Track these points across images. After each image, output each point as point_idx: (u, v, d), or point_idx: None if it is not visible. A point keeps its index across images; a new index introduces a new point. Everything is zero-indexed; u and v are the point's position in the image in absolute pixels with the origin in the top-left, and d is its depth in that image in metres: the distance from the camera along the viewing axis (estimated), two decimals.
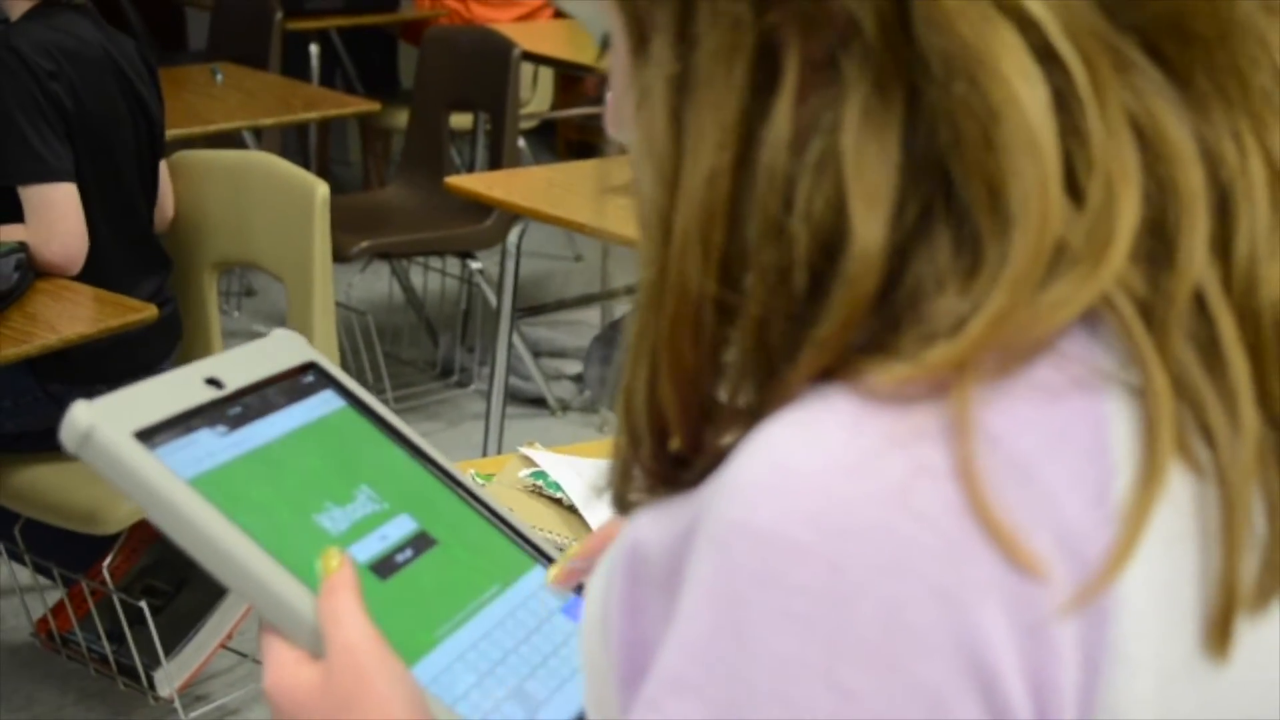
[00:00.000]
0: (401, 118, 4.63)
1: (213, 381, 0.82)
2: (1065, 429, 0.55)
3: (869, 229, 0.55)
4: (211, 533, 0.75)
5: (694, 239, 0.59)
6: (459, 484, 0.89)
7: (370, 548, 0.81)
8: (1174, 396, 0.56)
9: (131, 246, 2.63)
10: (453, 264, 4.41)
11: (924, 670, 0.52)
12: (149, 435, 0.77)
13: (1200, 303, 0.57)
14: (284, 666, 0.75)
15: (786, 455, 0.55)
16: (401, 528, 0.84)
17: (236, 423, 0.81)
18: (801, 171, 0.57)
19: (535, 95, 5.38)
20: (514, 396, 4.06)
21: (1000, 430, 0.54)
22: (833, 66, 0.57)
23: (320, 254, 2.64)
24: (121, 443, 0.75)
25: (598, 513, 1.45)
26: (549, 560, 0.89)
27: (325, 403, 0.87)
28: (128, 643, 2.61)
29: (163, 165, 2.77)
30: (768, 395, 0.59)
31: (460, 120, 4.50)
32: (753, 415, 0.58)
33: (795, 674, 0.53)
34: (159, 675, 2.62)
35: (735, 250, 0.59)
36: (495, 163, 4.05)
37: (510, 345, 3.38)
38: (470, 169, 4.53)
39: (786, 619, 0.53)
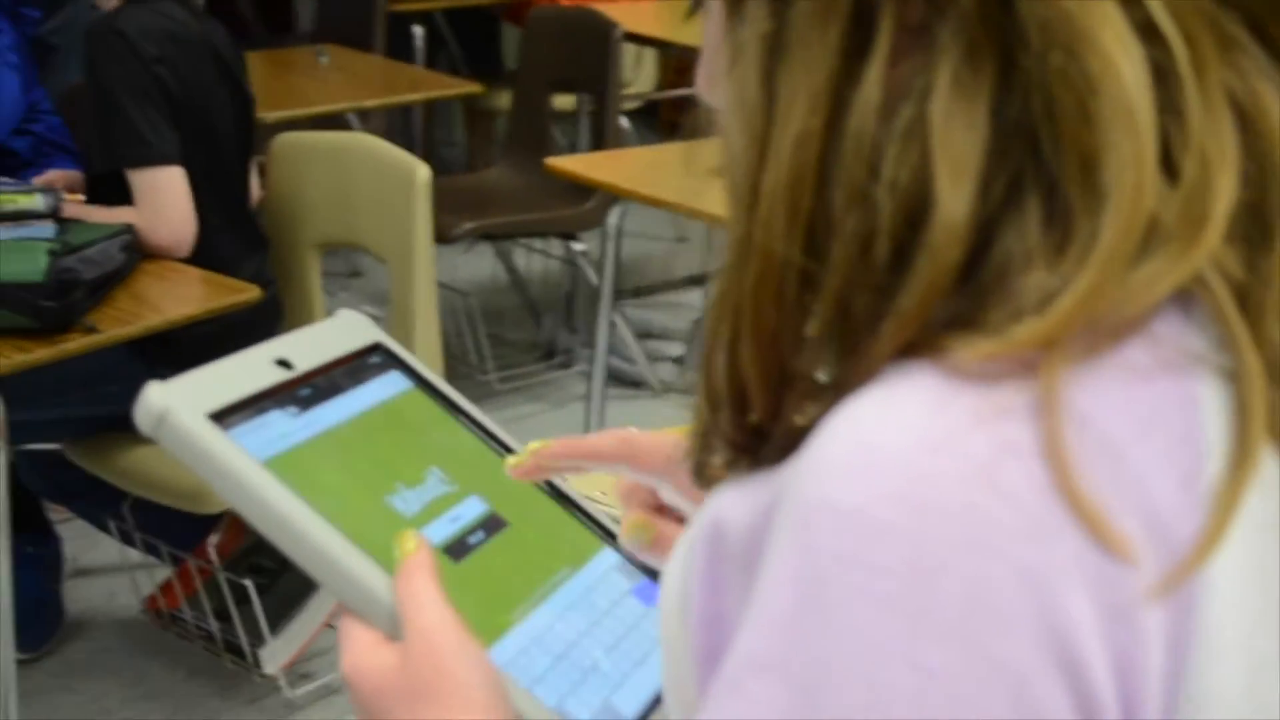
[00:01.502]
0: (506, 99, 4.64)
1: (282, 363, 0.82)
2: (1155, 411, 0.54)
3: (954, 199, 0.54)
4: (286, 514, 0.75)
5: (781, 202, 0.58)
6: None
7: (442, 530, 0.81)
8: (1268, 380, 0.54)
9: (233, 228, 2.66)
10: (556, 245, 4.42)
11: (1007, 650, 0.51)
12: (222, 417, 0.76)
13: None
14: (362, 650, 0.74)
15: (870, 432, 0.53)
16: (472, 509, 0.84)
17: (307, 404, 0.81)
18: (889, 138, 0.55)
19: (639, 76, 5.37)
20: (616, 378, 4.06)
21: (1089, 410, 0.53)
22: (927, 32, 0.55)
23: (422, 235, 2.65)
24: (196, 424, 0.75)
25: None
26: (614, 539, 0.88)
27: (393, 384, 0.87)
28: (233, 620, 2.64)
29: None
30: (850, 370, 0.57)
31: (564, 101, 4.50)
32: (836, 391, 0.57)
33: (877, 653, 0.52)
34: (264, 653, 2.65)
35: (822, 217, 0.57)
36: (598, 144, 4.05)
37: (612, 327, 3.37)
38: (573, 150, 4.53)
39: (869, 598, 0.52)
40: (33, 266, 2.16)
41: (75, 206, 2.52)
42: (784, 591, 0.54)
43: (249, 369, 0.80)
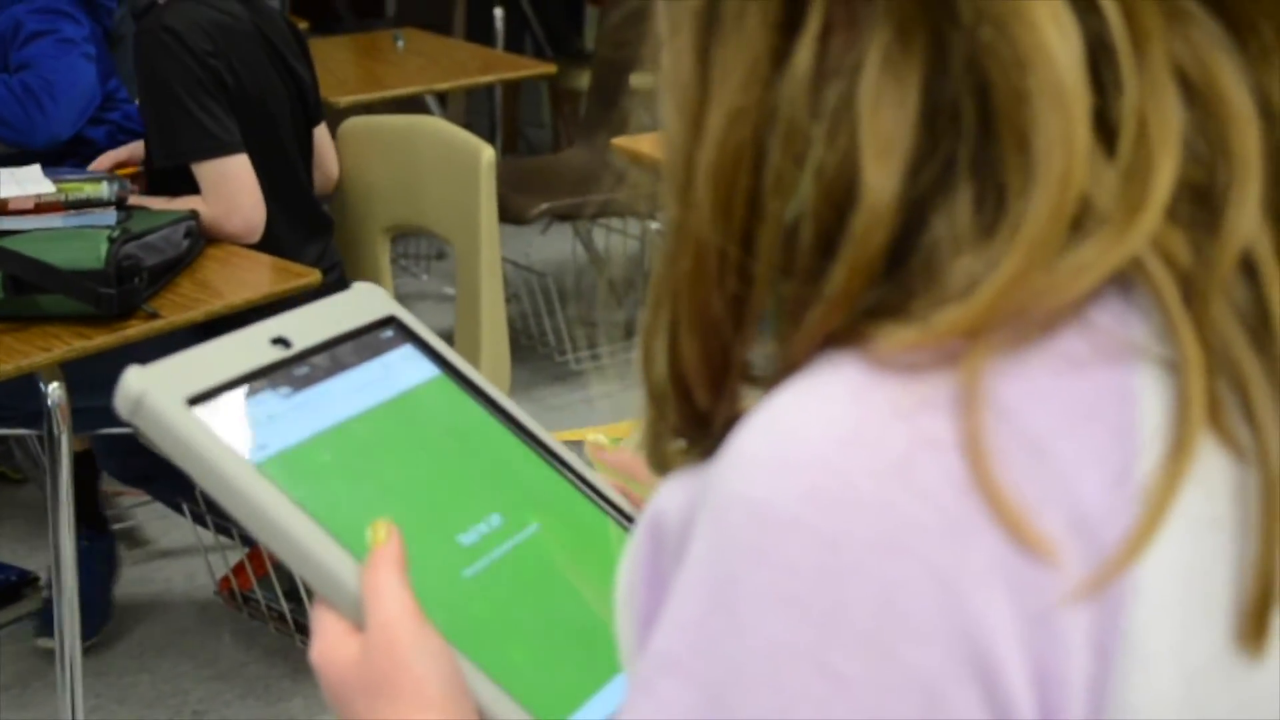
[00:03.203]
0: (588, 80, 4.63)
1: (280, 340, 0.79)
2: (1087, 403, 0.51)
3: (880, 180, 0.52)
4: (256, 501, 0.73)
5: (714, 183, 0.56)
6: (557, 457, 0.86)
7: (465, 538, 0.78)
8: (1210, 371, 0.51)
9: (296, 213, 2.68)
10: (634, 225, 4.40)
11: (918, 658, 0.49)
12: (204, 400, 0.74)
13: (1251, 273, 0.52)
14: (328, 638, 0.73)
15: (786, 425, 0.52)
16: (498, 518, 0.80)
17: (302, 383, 0.78)
18: (818, 118, 0.54)
19: None
20: None
21: (1013, 402, 0.50)
22: (859, 7, 0.53)
23: (486, 217, 2.65)
24: (172, 409, 0.73)
25: None
26: None
27: (410, 370, 0.84)
28: (304, 602, 2.66)
29: (322, 128, 2.80)
30: (781, 359, 0.55)
31: (644, 80, 4.48)
32: (771, 380, 0.55)
33: (785, 658, 0.50)
34: None
35: (756, 199, 0.56)
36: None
37: None
38: (654, 129, 4.51)
39: (778, 599, 0.50)
40: (93, 253, 2.19)
41: (143, 198, 2.55)
42: (696, 589, 0.53)
43: (242, 348, 0.78)
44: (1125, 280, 0.52)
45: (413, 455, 0.80)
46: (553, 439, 0.86)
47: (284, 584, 2.72)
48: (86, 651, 2.42)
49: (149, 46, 2.51)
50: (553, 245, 4.69)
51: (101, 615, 2.88)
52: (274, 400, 0.77)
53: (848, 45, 0.53)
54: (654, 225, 4.07)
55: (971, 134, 0.52)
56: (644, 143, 3.22)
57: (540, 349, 4.15)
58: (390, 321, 0.85)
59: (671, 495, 0.59)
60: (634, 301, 4.38)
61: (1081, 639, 0.49)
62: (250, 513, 0.73)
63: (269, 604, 2.76)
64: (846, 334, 0.53)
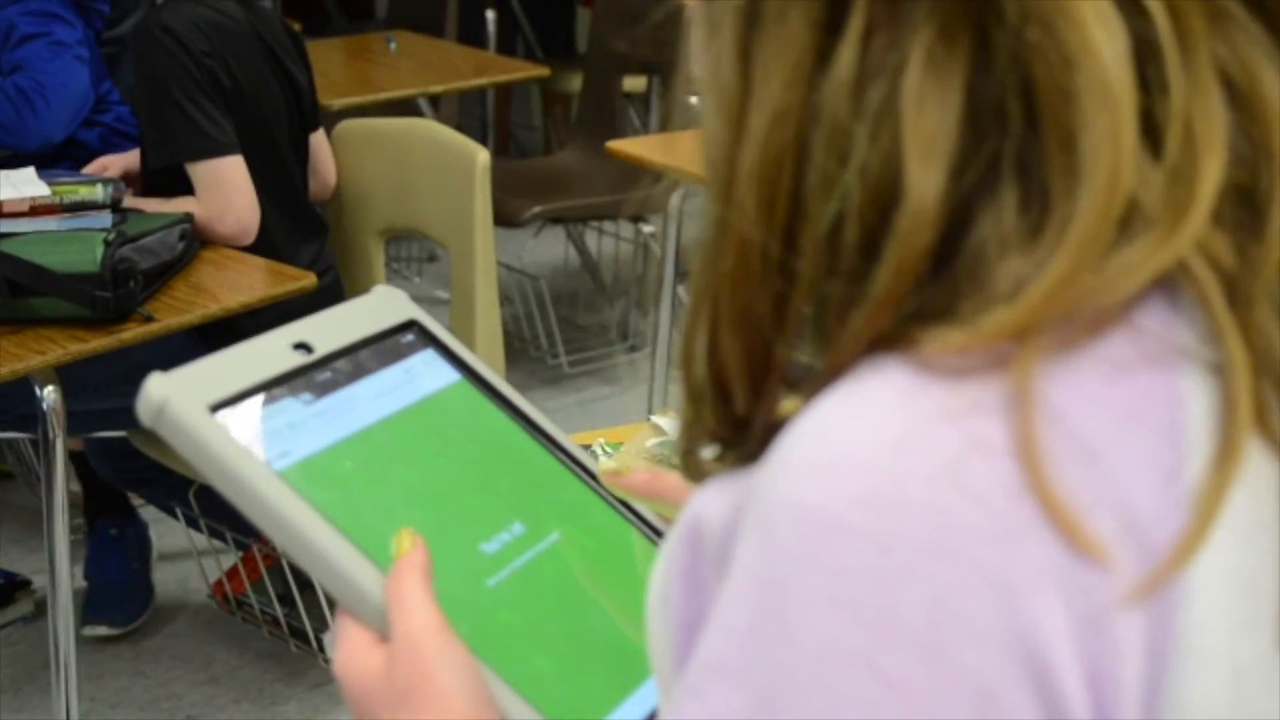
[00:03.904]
0: (579, 82, 4.63)
1: (302, 346, 0.79)
2: (1135, 406, 0.51)
3: (924, 181, 0.52)
4: (279, 510, 0.72)
5: (757, 183, 0.56)
6: (579, 464, 0.85)
7: (488, 546, 0.78)
8: (1256, 373, 0.51)
9: (290, 216, 2.67)
10: (626, 228, 4.40)
11: (972, 660, 0.49)
12: (226, 407, 0.74)
13: None
14: (352, 649, 0.73)
15: (835, 430, 0.52)
16: (519, 527, 0.80)
17: (325, 389, 0.78)
18: (861, 118, 0.53)
19: None
20: None
21: (1063, 406, 0.50)
22: (903, 6, 0.53)
23: (481, 219, 2.64)
24: (194, 417, 0.72)
25: None
26: None
27: (432, 375, 0.83)
28: (298, 606, 2.66)
29: (320, 135, 2.79)
30: (826, 362, 0.55)
31: (635, 83, 4.48)
32: (813, 384, 0.55)
33: (837, 661, 0.50)
34: (328, 638, 2.66)
35: (799, 200, 0.55)
36: (668, 125, 4.02)
37: (677, 310, 3.35)
38: (646, 132, 4.51)
39: (829, 603, 0.50)
40: (88, 256, 2.18)
41: (137, 199, 2.54)
42: (745, 595, 0.52)
43: (264, 354, 0.78)
44: (1170, 283, 0.52)
45: (435, 462, 0.80)
46: (574, 445, 0.85)
47: (278, 588, 2.71)
48: (85, 652, 2.41)
49: (146, 45, 2.50)
50: (545, 248, 4.69)
51: (144, 600, 2.92)
52: (296, 407, 0.77)
53: (890, 45, 0.53)
54: (646, 229, 4.07)
55: (1016, 134, 0.52)
56: (637, 146, 3.22)
57: (533, 352, 4.14)
58: (411, 325, 0.84)
59: (711, 502, 0.59)
60: (626, 305, 4.37)
61: (1135, 641, 0.49)
62: (272, 521, 0.73)
63: (263, 608, 2.75)
64: (892, 338, 0.53)
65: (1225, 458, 0.50)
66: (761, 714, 0.51)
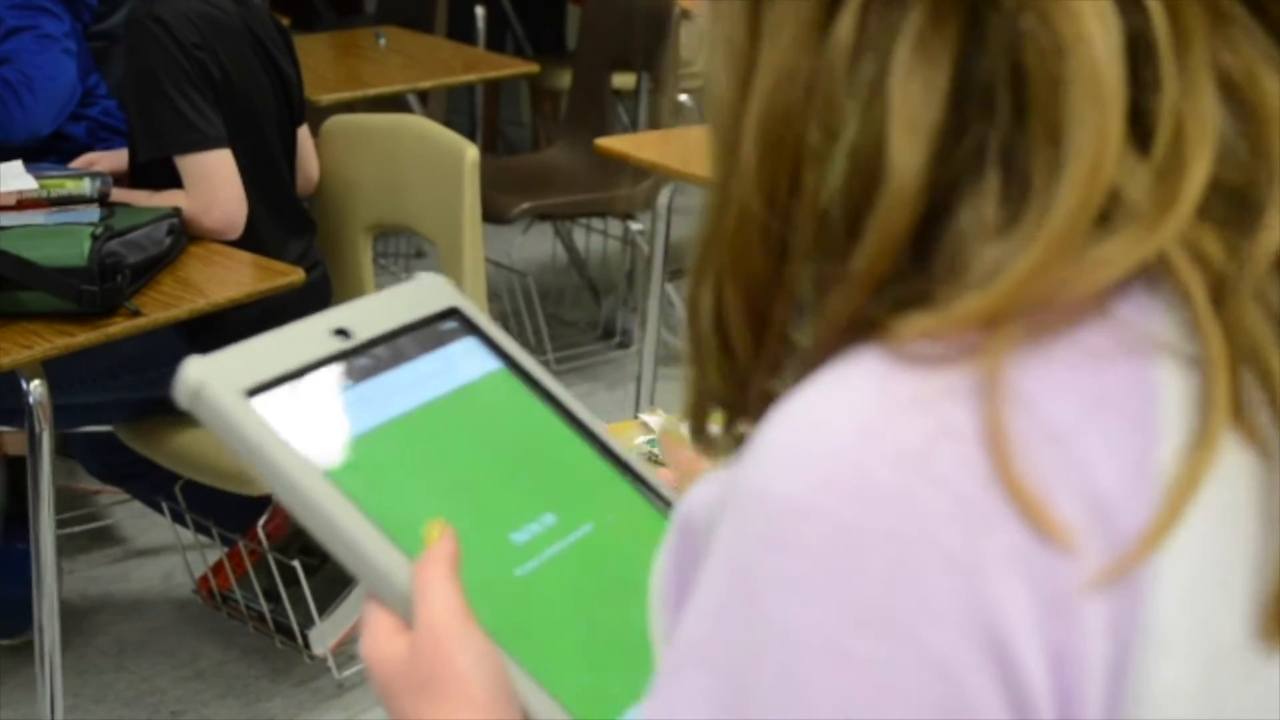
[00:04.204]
0: (569, 79, 4.63)
1: (341, 332, 0.78)
2: (1107, 395, 0.51)
3: (905, 159, 0.52)
4: (311, 495, 0.72)
5: (759, 146, 0.56)
6: (616, 456, 0.85)
7: (519, 536, 0.78)
8: (1237, 367, 0.51)
9: (278, 211, 2.66)
10: (615, 225, 4.40)
11: (935, 642, 0.49)
12: (263, 391, 0.74)
13: None
14: (379, 635, 0.73)
15: (806, 416, 0.52)
16: (551, 515, 0.80)
17: (362, 375, 0.78)
18: (853, 94, 0.54)
19: (701, 54, 5.32)
20: (674, 358, 4.03)
21: (1033, 392, 0.51)
22: None
23: (470, 216, 2.64)
24: (231, 400, 0.73)
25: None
26: None
27: (472, 362, 0.83)
28: (283, 602, 2.65)
29: (304, 130, 2.79)
30: (811, 348, 0.56)
31: (624, 80, 4.48)
32: (801, 363, 0.56)
33: (802, 644, 0.51)
34: (313, 634, 2.66)
35: (798, 170, 0.56)
36: (657, 123, 4.02)
37: (668, 306, 3.36)
38: (634, 129, 4.51)
39: (794, 587, 0.51)
40: (75, 250, 2.18)
41: (124, 191, 2.53)
42: (718, 579, 0.53)
43: (303, 339, 0.77)
44: (1153, 276, 0.52)
45: (470, 450, 0.80)
46: (612, 437, 0.85)
47: (263, 584, 2.71)
48: (68, 647, 2.40)
49: (137, 36, 2.49)
50: (533, 245, 4.69)
51: (22, 611, 2.83)
52: (333, 392, 0.77)
53: (884, 19, 0.53)
54: (635, 226, 4.06)
55: (1003, 122, 0.52)
56: (626, 143, 3.22)
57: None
58: (453, 313, 0.84)
59: (701, 493, 0.60)
60: (614, 302, 4.37)
61: (1101, 625, 0.50)
62: (303, 507, 0.73)
63: (248, 604, 2.74)
64: (873, 328, 0.53)
65: (1199, 448, 0.50)
66: (730, 696, 0.52)
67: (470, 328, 0.84)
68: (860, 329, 0.53)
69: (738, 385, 0.60)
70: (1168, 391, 0.51)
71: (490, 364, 0.84)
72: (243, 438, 0.72)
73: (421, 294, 0.84)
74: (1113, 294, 0.52)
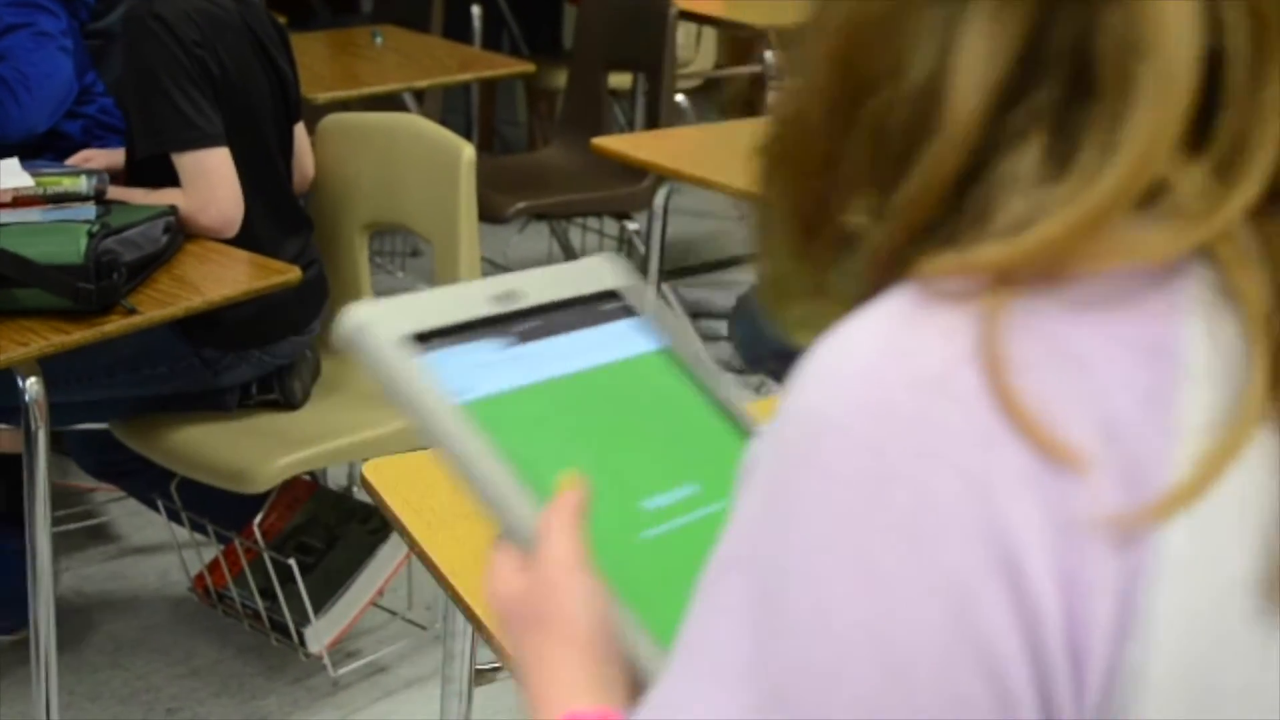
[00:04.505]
0: (565, 79, 4.63)
1: (505, 296, 0.83)
2: (1130, 338, 0.54)
3: (963, 108, 0.55)
4: (452, 438, 0.77)
5: (831, 61, 0.60)
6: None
7: (650, 503, 0.81)
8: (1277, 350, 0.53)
9: (275, 210, 2.66)
10: (611, 225, 4.40)
11: (950, 556, 0.52)
12: (422, 340, 0.79)
13: None
14: (503, 572, 0.78)
15: (840, 343, 0.56)
16: (686, 489, 0.83)
17: (518, 338, 0.82)
18: (923, 38, 0.57)
19: (699, 54, 5.33)
20: None
21: (1052, 324, 0.54)
22: None
23: (466, 215, 2.64)
24: (386, 343, 0.78)
25: None
26: None
27: (631, 340, 0.87)
28: (279, 600, 2.65)
29: (300, 127, 2.79)
30: (858, 286, 0.60)
31: (621, 80, 4.48)
32: (849, 305, 0.60)
33: (827, 554, 0.54)
34: (309, 632, 2.66)
35: (859, 97, 0.59)
36: (653, 123, 4.03)
37: (667, 306, 3.35)
38: (630, 129, 4.52)
39: (824, 500, 0.54)
40: (71, 248, 2.18)
41: (120, 189, 2.53)
42: (756, 494, 0.58)
43: (467, 298, 0.82)
44: (1197, 255, 0.54)
45: (614, 418, 0.84)
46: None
47: (259, 582, 2.70)
48: (63, 645, 2.40)
49: (136, 33, 2.49)
50: (530, 244, 4.69)
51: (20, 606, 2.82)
52: (488, 349, 0.81)
53: None
54: (631, 226, 4.07)
55: (1062, 94, 0.55)
56: (622, 143, 3.22)
57: None
58: (620, 294, 0.88)
59: (763, 429, 0.64)
60: None
61: (1112, 554, 0.52)
62: (445, 448, 0.77)
63: (244, 602, 2.74)
64: (909, 266, 0.56)
65: (1239, 423, 0.52)
66: (762, 602, 0.56)
67: (636, 309, 0.88)
68: (900, 267, 0.57)
69: (807, 259, 0.63)
70: (1196, 346, 0.53)
71: (649, 344, 0.87)
72: (392, 379, 0.78)
73: (590, 272, 0.88)
74: (1156, 270, 0.54)
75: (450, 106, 5.07)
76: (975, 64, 0.55)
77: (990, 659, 0.52)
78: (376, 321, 0.78)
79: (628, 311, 0.87)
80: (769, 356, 2.91)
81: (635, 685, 0.74)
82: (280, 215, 2.67)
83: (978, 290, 0.54)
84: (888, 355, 0.54)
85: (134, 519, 3.12)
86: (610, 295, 0.87)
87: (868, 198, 0.59)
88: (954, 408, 0.53)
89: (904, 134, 0.57)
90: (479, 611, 1.34)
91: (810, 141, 0.61)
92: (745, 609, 0.56)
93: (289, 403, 2.68)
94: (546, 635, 0.75)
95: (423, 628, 2.86)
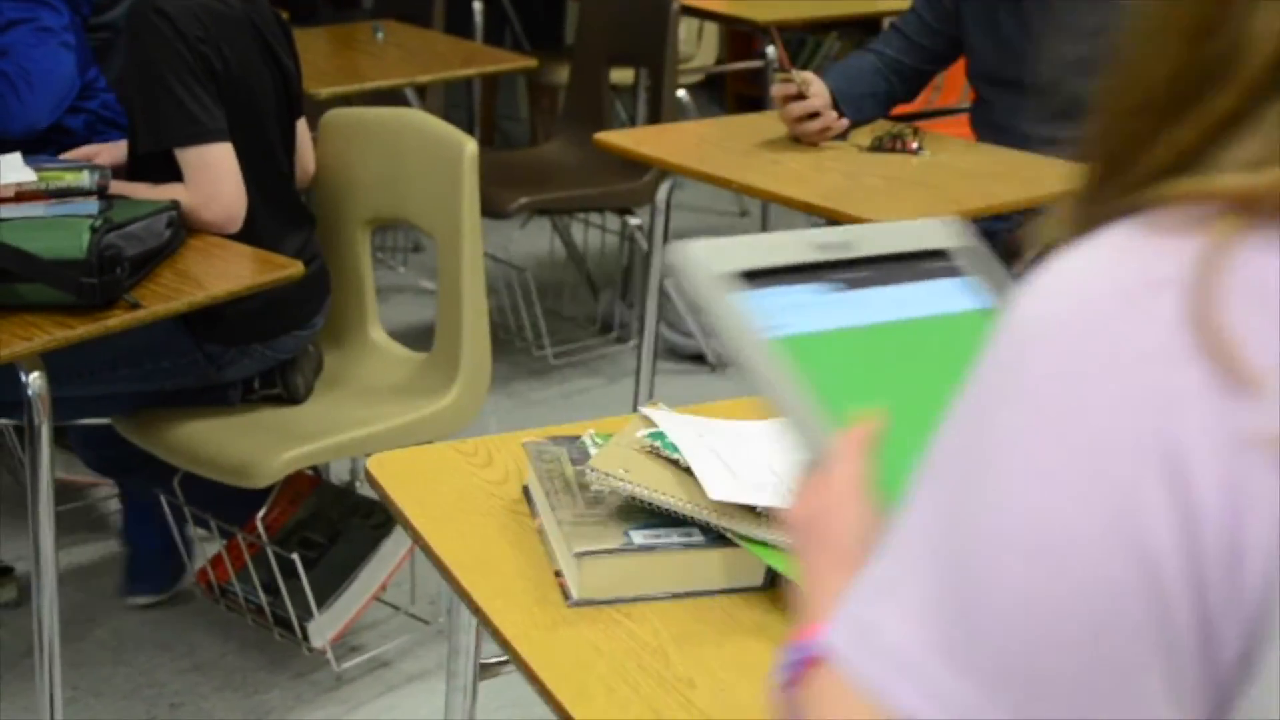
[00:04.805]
0: (567, 74, 4.63)
1: (833, 245, 0.87)
2: None
3: (1260, 53, 0.58)
4: (761, 367, 0.82)
5: (1182, 21, 0.62)
6: None
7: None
8: None
9: (277, 205, 2.66)
10: (613, 220, 4.40)
11: (1118, 466, 0.57)
12: (744, 276, 0.84)
13: None
14: (800, 493, 0.83)
15: (1059, 263, 0.62)
16: None
17: (841, 284, 0.87)
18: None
19: (701, 49, 5.33)
20: (673, 353, 4.05)
21: (1261, 263, 0.57)
22: None
23: (469, 210, 2.64)
24: (710, 278, 0.83)
25: (714, 475, 1.42)
26: None
27: (953, 296, 0.89)
28: (282, 595, 2.66)
29: (302, 123, 2.78)
30: (1113, 206, 0.63)
31: (623, 75, 4.48)
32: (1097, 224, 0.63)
33: (1016, 453, 0.60)
34: (312, 627, 2.66)
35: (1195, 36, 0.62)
36: (655, 118, 4.02)
37: (667, 301, 3.35)
38: (632, 124, 4.51)
39: (1019, 403, 0.60)
40: (74, 243, 2.17)
41: (123, 184, 2.53)
42: (966, 395, 0.63)
43: (796, 243, 0.87)
44: None
45: (926, 367, 0.87)
46: None
47: (262, 576, 2.71)
48: (67, 640, 2.40)
49: (139, 27, 2.48)
50: (532, 240, 4.69)
51: (164, 564, 2.93)
52: (808, 292, 0.86)
53: None
54: (633, 221, 4.06)
55: None
56: (624, 138, 3.22)
57: (518, 343, 4.14)
58: (949, 253, 0.91)
59: None
60: (612, 297, 4.37)
61: (1276, 467, 0.55)
62: (754, 375, 0.83)
63: (247, 596, 2.75)
64: (1146, 198, 0.61)
65: None
66: (954, 499, 0.62)
67: (966, 269, 0.91)
68: (1143, 201, 0.61)
69: (1121, 173, 0.65)
70: None
71: (976, 303, 0.90)
72: (711, 311, 0.83)
73: (924, 230, 0.92)
74: None
75: (452, 102, 5.08)
76: (1273, 16, 0.58)
77: (1143, 549, 0.56)
78: (706, 256, 0.84)
79: (953, 271, 0.90)
80: None
81: None
82: (282, 210, 2.67)
83: (1206, 219, 0.58)
84: (1098, 274, 0.59)
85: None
86: (939, 254, 0.90)
87: (1171, 134, 0.62)
88: (1149, 323, 0.57)
89: (1201, 69, 0.60)
90: (483, 605, 1.34)
91: (1145, 61, 0.63)
92: (945, 493, 0.63)
93: (292, 398, 2.68)
94: (820, 553, 0.80)
95: (426, 622, 2.86)
